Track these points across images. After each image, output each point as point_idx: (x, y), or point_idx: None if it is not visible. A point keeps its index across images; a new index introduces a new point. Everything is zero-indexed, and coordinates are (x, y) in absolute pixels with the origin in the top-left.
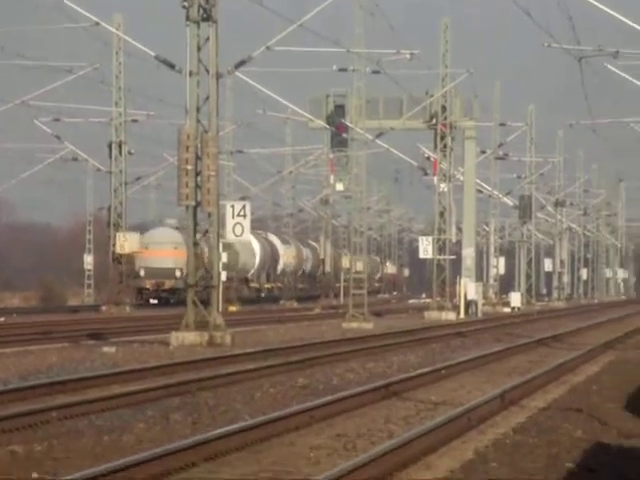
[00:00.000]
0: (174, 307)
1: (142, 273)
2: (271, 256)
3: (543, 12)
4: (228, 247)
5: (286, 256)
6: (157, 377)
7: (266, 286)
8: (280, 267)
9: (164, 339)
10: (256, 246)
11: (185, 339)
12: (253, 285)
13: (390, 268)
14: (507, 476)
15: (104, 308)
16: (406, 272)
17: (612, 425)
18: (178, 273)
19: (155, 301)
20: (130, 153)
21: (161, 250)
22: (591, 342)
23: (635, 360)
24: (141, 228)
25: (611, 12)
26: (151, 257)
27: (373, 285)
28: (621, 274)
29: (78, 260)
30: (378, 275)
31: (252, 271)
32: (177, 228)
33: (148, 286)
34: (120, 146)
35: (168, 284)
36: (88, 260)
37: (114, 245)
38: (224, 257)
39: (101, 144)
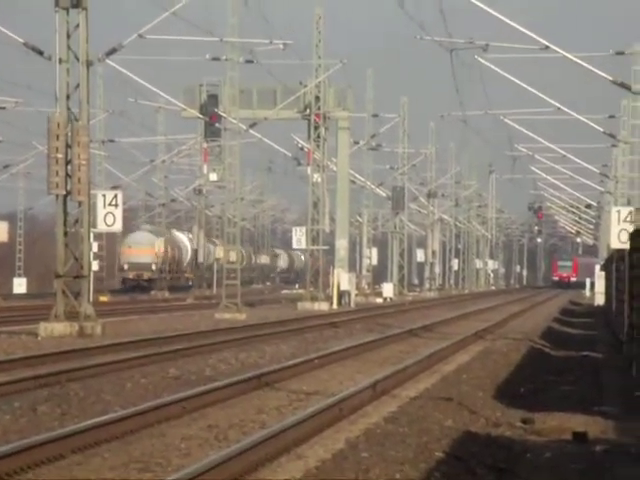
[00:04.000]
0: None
1: (126, 267)
2: (194, 251)
3: (416, 4)
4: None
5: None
6: (24, 368)
7: (190, 276)
8: (199, 260)
9: (32, 330)
10: (187, 243)
11: (54, 330)
12: (187, 275)
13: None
14: (377, 466)
15: None
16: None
17: (481, 414)
18: (154, 266)
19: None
20: None
21: (140, 249)
22: (461, 332)
23: (504, 350)
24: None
25: (482, 6)
26: (133, 254)
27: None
28: (491, 265)
29: None
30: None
31: (185, 263)
32: (151, 231)
33: (131, 276)
34: None
35: (146, 275)
36: None
37: None
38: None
39: None
